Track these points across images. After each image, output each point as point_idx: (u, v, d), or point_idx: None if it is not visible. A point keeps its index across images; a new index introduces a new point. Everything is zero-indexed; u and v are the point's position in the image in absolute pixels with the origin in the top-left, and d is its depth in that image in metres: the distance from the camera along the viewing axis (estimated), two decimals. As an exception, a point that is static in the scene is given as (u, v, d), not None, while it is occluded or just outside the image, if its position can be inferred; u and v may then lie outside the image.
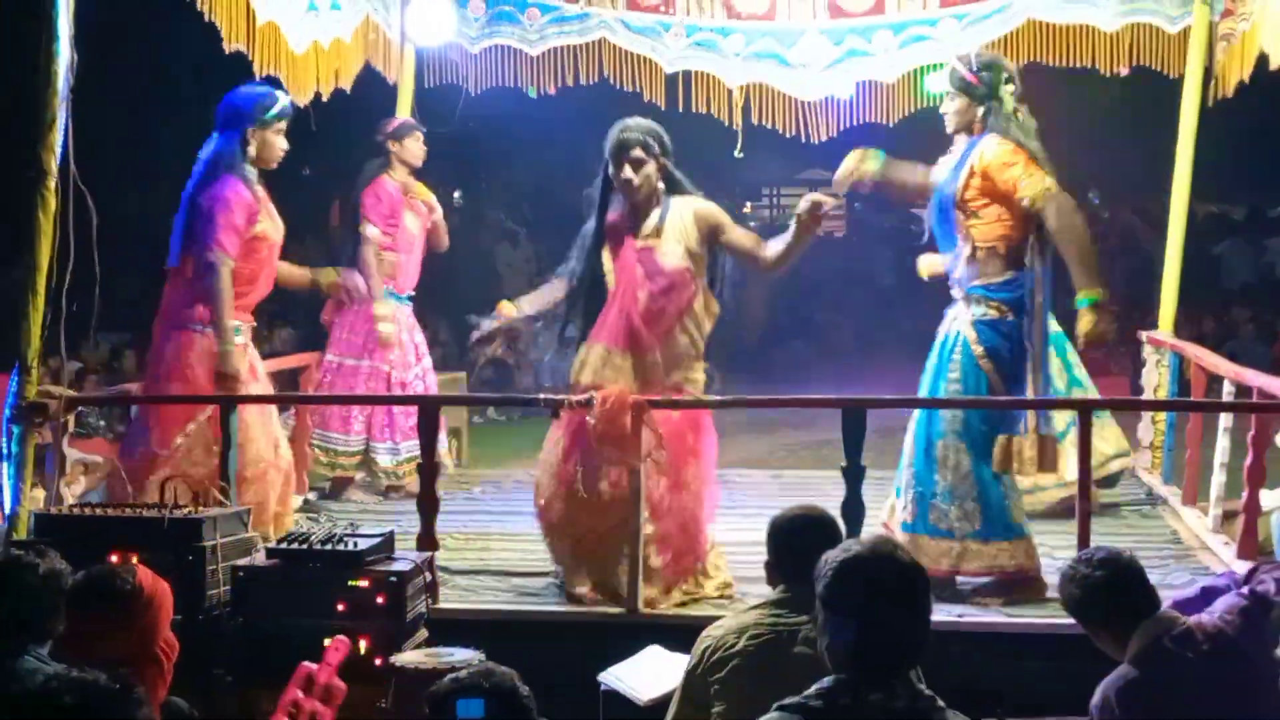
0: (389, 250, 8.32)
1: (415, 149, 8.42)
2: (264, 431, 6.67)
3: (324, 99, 7.96)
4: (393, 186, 8.35)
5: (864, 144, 6.70)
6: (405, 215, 8.37)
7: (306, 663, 4.59)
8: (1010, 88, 6.19)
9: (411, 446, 8.26)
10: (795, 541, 4.14)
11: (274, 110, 6.66)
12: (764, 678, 3.84)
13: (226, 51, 7.06)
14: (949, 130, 6.39)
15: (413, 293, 8.58)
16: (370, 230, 8.20)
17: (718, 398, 8.30)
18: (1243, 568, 4.73)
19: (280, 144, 6.73)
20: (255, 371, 6.79)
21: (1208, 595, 4.60)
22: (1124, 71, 8.68)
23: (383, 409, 8.33)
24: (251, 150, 6.62)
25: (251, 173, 6.65)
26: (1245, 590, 4.38)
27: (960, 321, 6.24)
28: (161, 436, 6.48)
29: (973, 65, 6.28)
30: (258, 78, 7.22)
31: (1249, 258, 18.61)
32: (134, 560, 4.85)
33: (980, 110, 6.22)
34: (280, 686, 4.75)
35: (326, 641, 4.91)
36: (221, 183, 6.53)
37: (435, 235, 8.64)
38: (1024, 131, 6.17)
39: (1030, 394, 6.07)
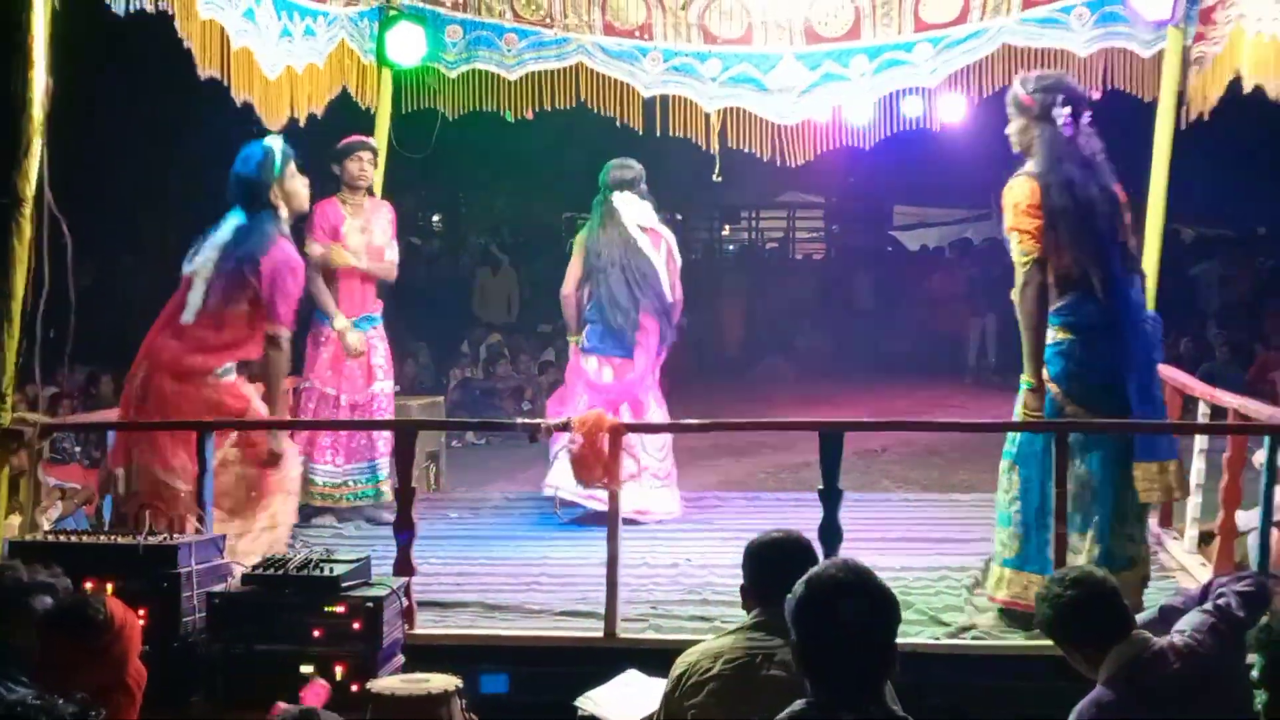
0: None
1: (351, 169, 8.26)
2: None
3: (300, 124, 7.95)
4: (332, 208, 8.26)
5: (841, 168, 6.71)
6: (346, 237, 8.23)
7: (282, 704, 4.57)
8: (1065, 110, 6.09)
9: (357, 470, 8.25)
10: (772, 566, 4.14)
11: (279, 162, 6.63)
12: (740, 702, 3.85)
13: (201, 77, 7.07)
14: (1014, 150, 6.32)
15: (373, 315, 8.41)
16: (313, 248, 8.07)
17: (696, 421, 8.37)
18: None
19: (302, 185, 6.75)
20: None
21: (1166, 615, 4.63)
22: (1096, 95, 8.72)
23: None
24: (283, 211, 6.62)
25: (286, 227, 6.70)
26: (1210, 607, 4.40)
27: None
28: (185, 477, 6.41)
29: (1030, 86, 6.22)
30: (236, 103, 7.23)
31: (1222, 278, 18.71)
32: (107, 588, 4.83)
33: (1036, 131, 6.15)
34: (256, 712, 4.74)
35: (305, 668, 4.94)
36: (280, 247, 6.56)
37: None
38: (1075, 156, 6.07)
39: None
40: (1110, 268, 6.07)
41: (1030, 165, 6.10)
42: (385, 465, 8.26)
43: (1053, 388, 6.03)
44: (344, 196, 8.32)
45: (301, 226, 7.78)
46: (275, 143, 6.76)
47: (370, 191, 8.47)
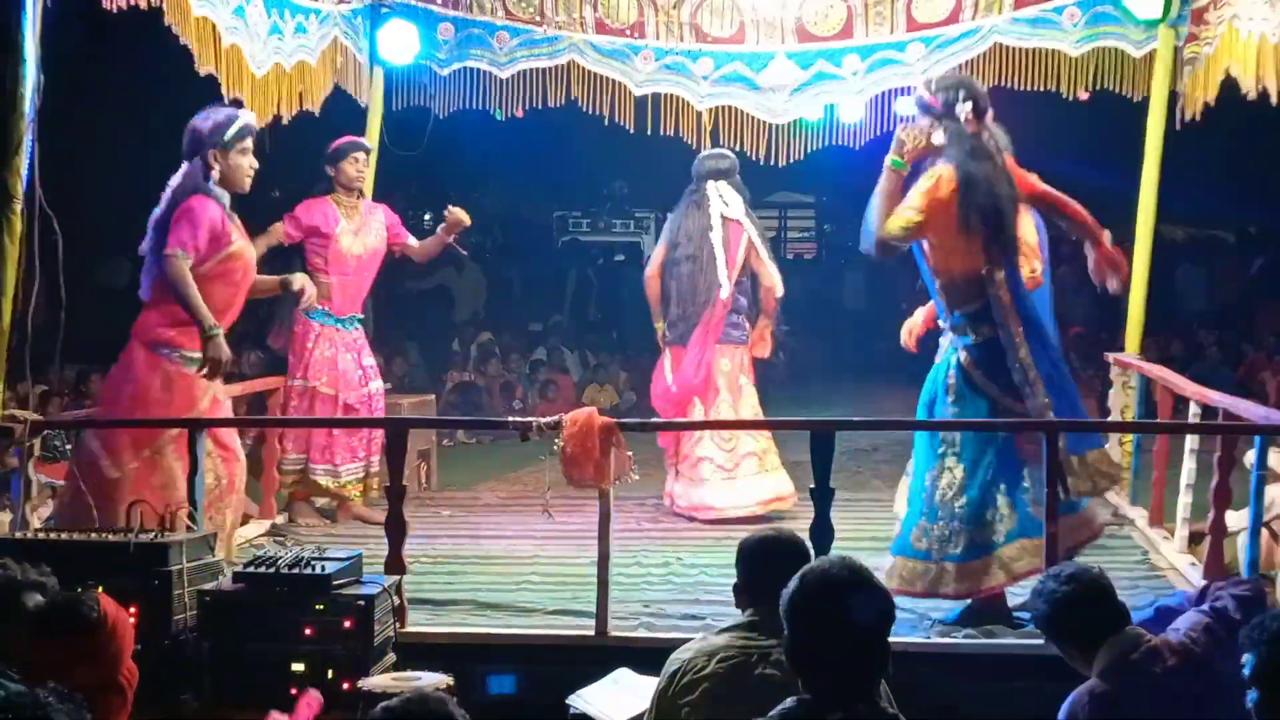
0: (320, 272, 8.11)
1: (349, 171, 8.19)
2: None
3: (284, 121, 7.93)
4: (324, 207, 8.17)
5: (831, 165, 6.70)
6: (340, 238, 8.15)
7: (276, 713, 4.57)
8: (967, 105, 6.09)
9: (354, 468, 8.21)
10: (765, 564, 4.14)
11: (232, 131, 6.59)
12: (735, 700, 3.84)
13: (200, 74, 7.07)
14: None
15: (360, 315, 8.42)
16: (275, 226, 8.05)
17: (687, 420, 8.37)
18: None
19: (247, 164, 6.66)
20: (217, 401, 6.75)
21: (1163, 616, 4.64)
22: (1085, 95, 8.76)
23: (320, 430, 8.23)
24: (215, 174, 6.57)
25: (221, 194, 6.61)
26: (1207, 609, 4.41)
27: (953, 349, 6.23)
28: (114, 460, 6.43)
29: (933, 85, 6.23)
30: (226, 99, 7.23)
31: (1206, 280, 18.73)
32: (98, 587, 4.81)
33: (940, 128, 6.13)
34: (247, 711, 4.74)
35: (297, 666, 4.93)
36: (187, 199, 6.53)
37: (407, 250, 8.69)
38: (984, 151, 6.09)
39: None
40: (1013, 261, 6.16)
41: (944, 158, 6.08)
42: (377, 464, 8.25)
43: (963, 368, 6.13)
44: (339, 198, 8.22)
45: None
46: (245, 114, 6.75)
47: (361, 194, 8.43)
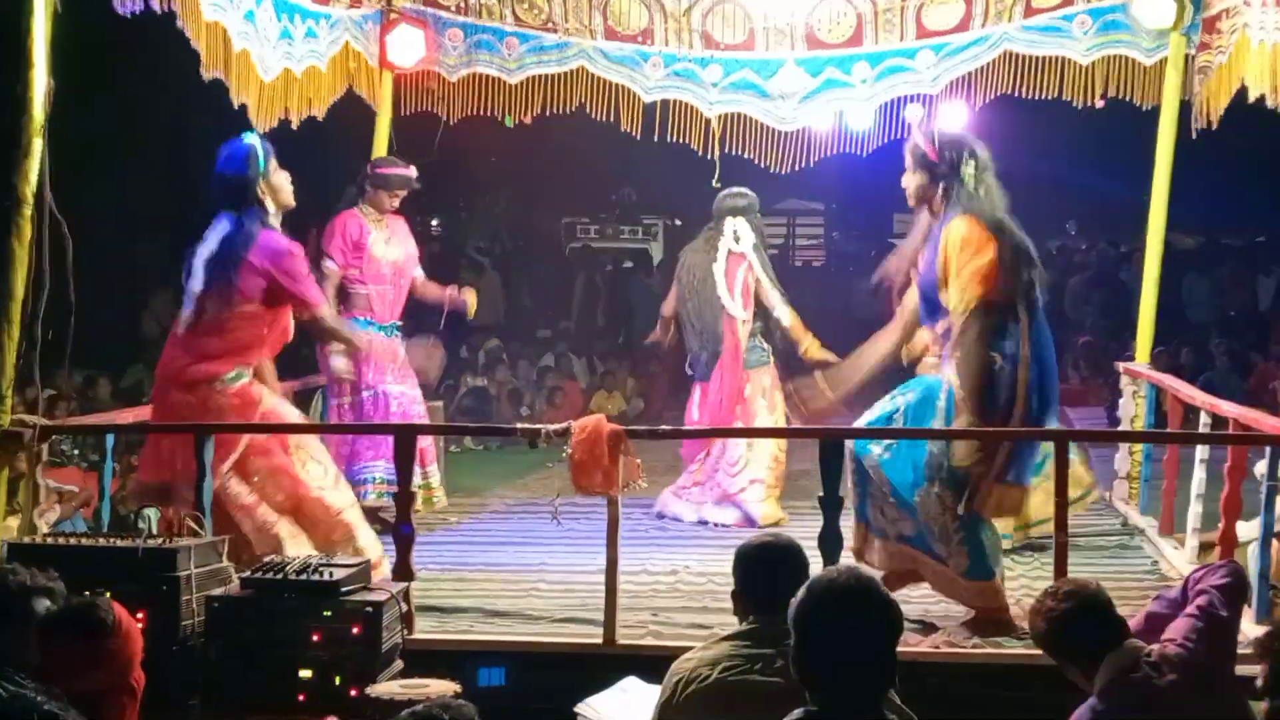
0: (357, 283, 8.14)
1: (385, 201, 8.23)
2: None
3: (294, 126, 7.92)
4: (355, 221, 8.16)
5: (840, 173, 6.66)
6: (372, 247, 8.16)
7: None
8: (971, 166, 6.02)
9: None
10: (762, 570, 4.15)
11: (263, 158, 6.59)
12: (739, 709, 3.84)
13: (205, 79, 7.06)
14: (910, 203, 6.29)
15: (399, 323, 8.40)
16: (327, 264, 8.03)
17: (696, 428, 8.35)
18: None
19: (285, 180, 6.65)
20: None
21: (1152, 621, 4.61)
22: (1099, 104, 8.74)
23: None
24: (270, 205, 6.56)
25: (276, 223, 6.61)
26: (1194, 610, 4.38)
27: (945, 374, 6.14)
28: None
29: (934, 141, 6.10)
30: (234, 104, 7.23)
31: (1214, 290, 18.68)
32: (106, 593, 4.80)
33: (940, 187, 6.06)
34: (254, 717, 4.73)
35: (304, 673, 4.93)
36: (266, 239, 6.44)
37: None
38: (991, 205, 6.02)
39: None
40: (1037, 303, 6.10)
41: (963, 209, 5.99)
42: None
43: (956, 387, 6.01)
44: (366, 210, 8.22)
45: (303, 227, 7.74)
46: (254, 140, 6.72)
47: None
